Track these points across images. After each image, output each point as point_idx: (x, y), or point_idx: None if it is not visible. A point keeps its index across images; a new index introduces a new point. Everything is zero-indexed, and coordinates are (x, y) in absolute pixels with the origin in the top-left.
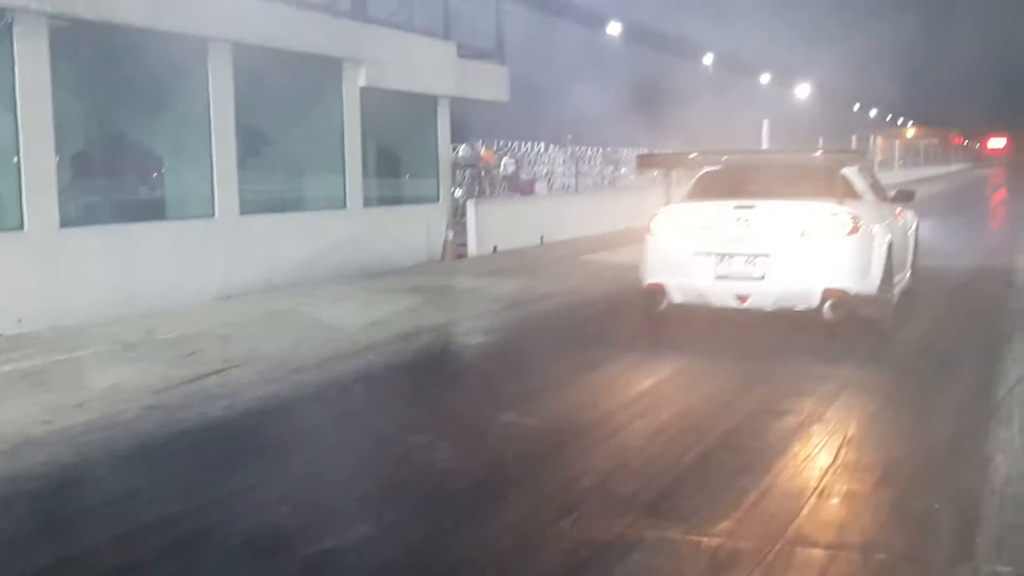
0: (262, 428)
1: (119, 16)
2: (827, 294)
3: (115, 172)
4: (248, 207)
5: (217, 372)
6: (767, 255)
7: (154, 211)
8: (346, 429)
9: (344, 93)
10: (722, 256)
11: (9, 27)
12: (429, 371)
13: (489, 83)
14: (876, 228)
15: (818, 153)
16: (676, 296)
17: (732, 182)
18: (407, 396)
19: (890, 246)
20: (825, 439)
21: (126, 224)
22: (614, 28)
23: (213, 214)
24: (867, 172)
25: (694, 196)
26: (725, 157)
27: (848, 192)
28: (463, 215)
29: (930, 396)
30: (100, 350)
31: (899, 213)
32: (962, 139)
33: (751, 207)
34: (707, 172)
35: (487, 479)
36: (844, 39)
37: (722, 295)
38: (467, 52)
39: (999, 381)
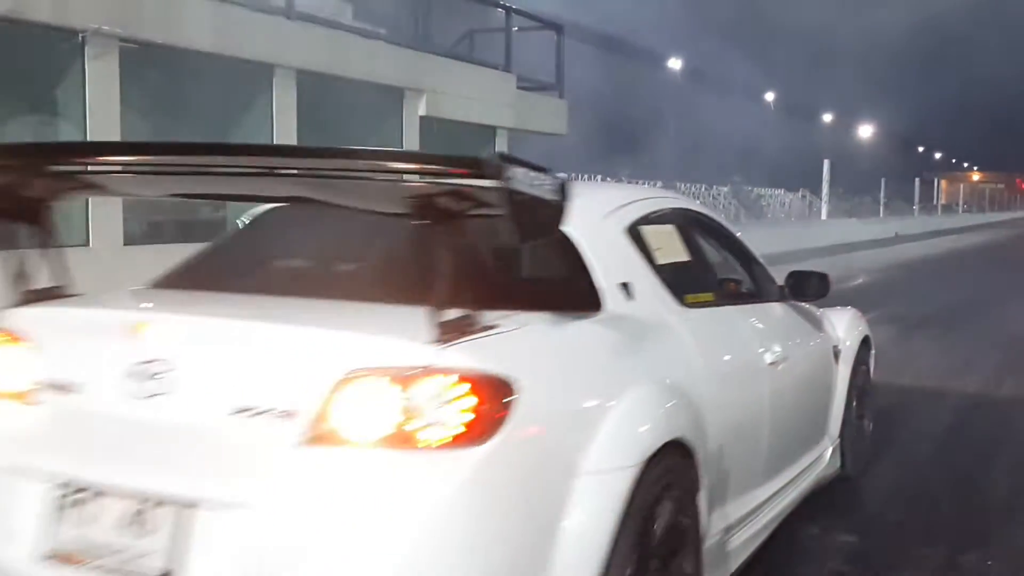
0: None
1: (186, 41)
2: None
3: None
4: None
5: None
6: (196, 504)
7: (214, 232)
8: None
9: (404, 121)
10: (67, 490)
11: (82, 47)
12: None
13: (548, 115)
14: (624, 405)
15: (397, 164)
16: None
17: (267, 249)
18: None
19: (686, 453)
20: None
21: (185, 244)
22: (675, 63)
23: None
24: (667, 226)
25: (168, 282)
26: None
27: (509, 294)
28: None
29: None
30: None
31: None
32: None
33: (165, 336)
34: (265, 212)
35: None
36: (910, 83)
37: None
38: (527, 84)
39: None
